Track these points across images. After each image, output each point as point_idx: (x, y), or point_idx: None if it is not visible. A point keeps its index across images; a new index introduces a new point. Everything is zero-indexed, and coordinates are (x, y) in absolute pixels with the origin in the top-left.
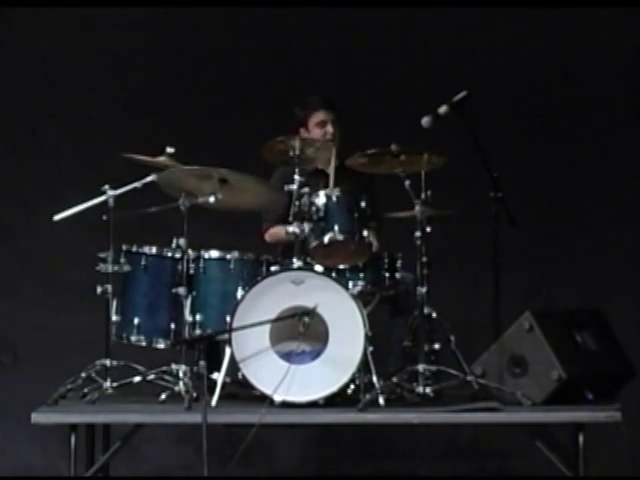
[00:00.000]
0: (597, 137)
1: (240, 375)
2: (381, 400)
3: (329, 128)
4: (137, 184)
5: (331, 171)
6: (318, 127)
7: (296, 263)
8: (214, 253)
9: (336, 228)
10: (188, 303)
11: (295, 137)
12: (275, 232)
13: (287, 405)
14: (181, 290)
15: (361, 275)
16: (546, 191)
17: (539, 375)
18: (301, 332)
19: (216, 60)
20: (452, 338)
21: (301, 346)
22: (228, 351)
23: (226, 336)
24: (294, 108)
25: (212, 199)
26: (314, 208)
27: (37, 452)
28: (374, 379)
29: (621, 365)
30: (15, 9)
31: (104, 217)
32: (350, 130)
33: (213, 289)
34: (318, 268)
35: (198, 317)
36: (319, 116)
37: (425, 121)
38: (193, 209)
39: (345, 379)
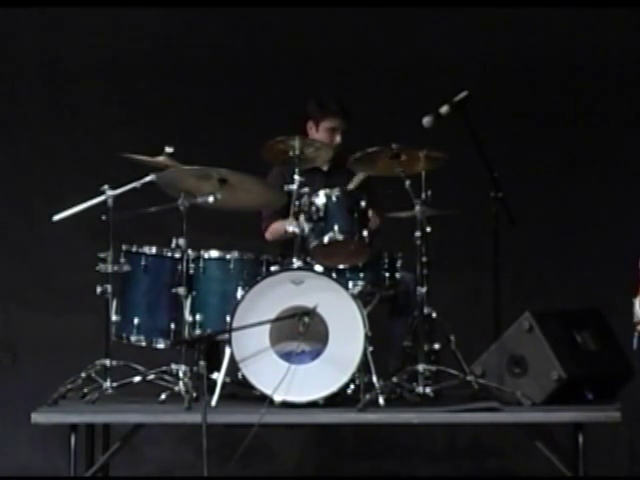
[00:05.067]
0: (597, 137)
1: (240, 375)
2: (381, 400)
3: (337, 137)
4: (136, 184)
5: (355, 181)
6: (328, 132)
7: (296, 263)
8: (214, 253)
9: (336, 228)
10: (188, 303)
11: (295, 137)
12: (275, 227)
13: (287, 405)
14: (181, 290)
15: (361, 275)
16: (546, 191)
17: (539, 375)
18: (301, 332)
19: (216, 60)
20: (452, 338)
21: (301, 346)
22: (228, 351)
23: (226, 336)
24: (309, 102)
25: (211, 199)
26: (314, 208)
27: (37, 452)
28: (374, 379)
29: (621, 365)
30: (15, 9)
31: (103, 217)
32: (350, 130)
33: (213, 289)
34: (318, 268)
35: (198, 317)
36: (333, 122)
37: (426, 121)
38: (193, 209)
39: (345, 379)
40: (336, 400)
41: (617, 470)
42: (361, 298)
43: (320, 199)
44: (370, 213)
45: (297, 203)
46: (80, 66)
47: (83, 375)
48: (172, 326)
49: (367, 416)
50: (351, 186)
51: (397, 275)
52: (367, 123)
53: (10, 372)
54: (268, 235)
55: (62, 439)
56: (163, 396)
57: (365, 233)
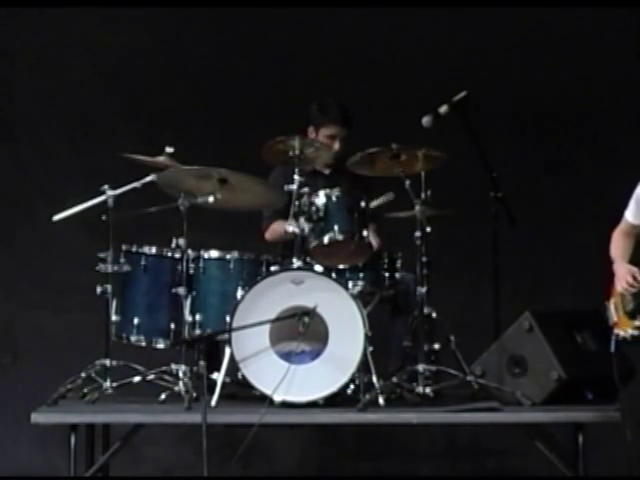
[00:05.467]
0: (597, 137)
1: (240, 375)
2: (381, 400)
3: (336, 144)
4: (136, 184)
5: (379, 200)
6: (327, 139)
7: (296, 263)
8: (214, 253)
9: (336, 228)
10: (188, 303)
11: (295, 137)
12: (275, 228)
13: (287, 405)
14: (181, 290)
15: (361, 275)
16: (546, 191)
17: (539, 375)
18: (301, 332)
19: (216, 60)
20: (452, 338)
21: (301, 346)
22: (228, 351)
23: (226, 336)
24: (311, 105)
25: (211, 199)
26: (314, 208)
27: (37, 452)
28: (374, 379)
29: (621, 365)
30: (15, 9)
31: (103, 217)
32: (351, 135)
33: (213, 289)
34: (318, 268)
35: (198, 317)
36: (333, 130)
37: (425, 121)
38: (193, 209)
39: (345, 379)
40: (336, 400)
41: (617, 470)
42: (361, 298)
43: (320, 199)
44: (371, 237)
45: (297, 203)
46: (80, 66)
47: (83, 375)
48: (172, 326)
49: (367, 416)
50: (374, 203)
51: (397, 275)
52: (367, 123)
53: (10, 372)
54: (268, 235)
55: (62, 439)
56: (163, 396)
57: (365, 233)
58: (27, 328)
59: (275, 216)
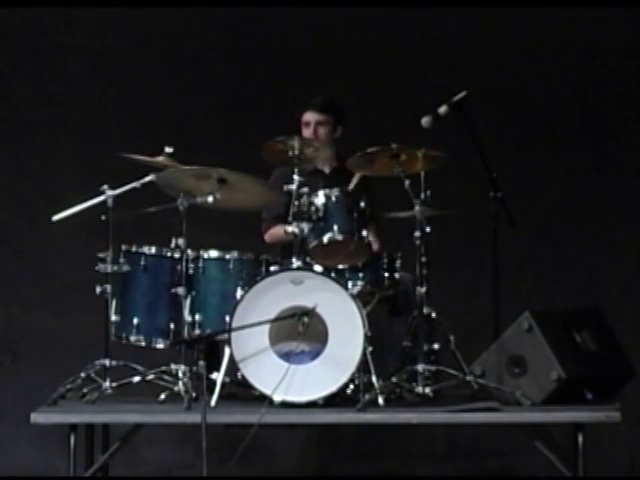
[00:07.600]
0: (597, 137)
1: (239, 375)
2: (380, 400)
3: (320, 130)
4: (136, 184)
5: (354, 181)
6: (304, 127)
7: (295, 263)
8: (213, 253)
9: (335, 228)
10: (187, 303)
11: (294, 137)
12: (275, 232)
13: (286, 405)
14: (180, 290)
15: (361, 275)
16: (546, 191)
17: (539, 375)
18: (300, 332)
19: (216, 60)
20: (452, 338)
21: (300, 346)
22: (227, 351)
23: (225, 336)
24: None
25: (210, 199)
26: (313, 208)
27: (37, 452)
28: (373, 379)
29: (621, 365)
30: (15, 9)
31: (103, 217)
32: (350, 130)
33: (212, 289)
34: (317, 268)
35: (197, 317)
36: (305, 117)
37: (425, 121)
38: (192, 209)
39: (344, 379)
40: (335, 400)
41: (617, 470)
42: (361, 298)
43: (319, 199)
44: (370, 239)
45: (297, 203)
46: (80, 66)
47: (83, 375)
48: (171, 326)
49: (367, 416)
50: (350, 186)
51: (396, 275)
52: (367, 123)
53: (10, 372)
54: (267, 238)
55: (62, 439)
56: (163, 396)
57: (365, 233)
58: (27, 328)
59: (275, 221)
